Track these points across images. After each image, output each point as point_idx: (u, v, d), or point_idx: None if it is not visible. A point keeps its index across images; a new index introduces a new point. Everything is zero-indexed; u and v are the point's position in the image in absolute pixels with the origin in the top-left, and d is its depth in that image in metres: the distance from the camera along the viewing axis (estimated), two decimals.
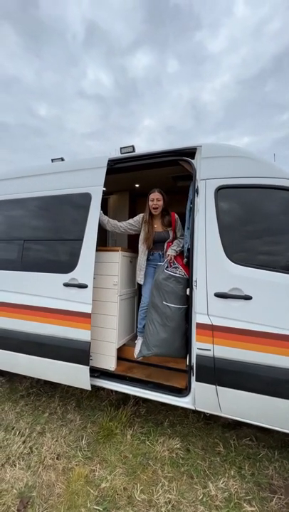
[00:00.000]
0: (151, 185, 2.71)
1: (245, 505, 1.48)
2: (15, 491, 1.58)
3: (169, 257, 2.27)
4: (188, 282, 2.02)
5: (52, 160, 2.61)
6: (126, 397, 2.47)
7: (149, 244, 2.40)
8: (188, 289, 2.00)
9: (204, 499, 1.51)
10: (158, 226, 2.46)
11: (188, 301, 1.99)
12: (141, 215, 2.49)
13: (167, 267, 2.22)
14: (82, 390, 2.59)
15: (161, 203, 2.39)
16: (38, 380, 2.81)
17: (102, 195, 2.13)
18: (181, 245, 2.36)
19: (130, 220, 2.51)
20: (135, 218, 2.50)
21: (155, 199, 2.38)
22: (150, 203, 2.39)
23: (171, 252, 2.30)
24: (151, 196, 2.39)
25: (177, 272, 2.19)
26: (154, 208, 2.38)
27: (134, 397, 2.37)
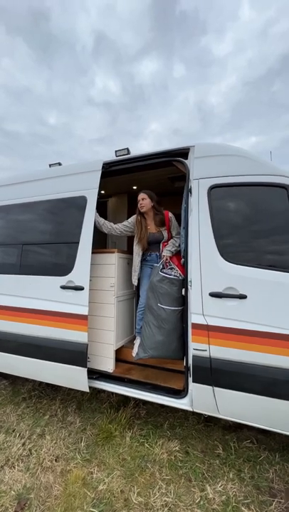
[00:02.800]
0: (149, 186, 2.71)
1: (243, 508, 1.45)
2: (13, 492, 1.60)
3: (164, 258, 2.26)
4: (184, 283, 2.00)
5: (50, 165, 2.65)
6: (126, 399, 2.47)
7: (143, 245, 2.40)
8: (183, 290, 1.99)
9: (201, 502, 1.49)
10: (151, 227, 2.47)
11: (184, 302, 1.98)
12: (135, 216, 2.50)
13: (163, 268, 2.21)
14: (83, 393, 2.59)
15: (146, 201, 2.41)
16: (40, 383, 2.83)
17: (101, 199, 2.16)
18: (177, 245, 2.36)
19: (125, 222, 2.53)
20: (129, 220, 2.52)
21: (140, 199, 2.42)
22: (138, 204, 2.45)
23: (166, 253, 2.30)
24: (138, 197, 2.45)
25: (172, 273, 2.17)
26: (141, 207, 2.42)
27: (134, 399, 2.36)
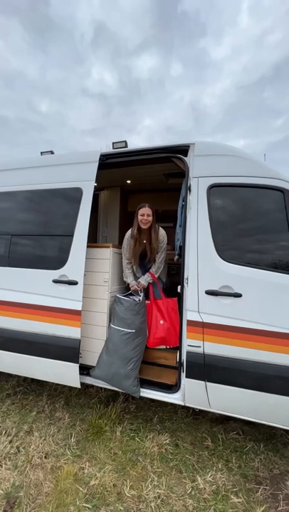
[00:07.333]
0: (143, 181, 2.66)
1: (232, 496, 1.52)
2: (1, 491, 1.55)
3: (139, 286, 2.41)
4: (137, 309, 2.15)
5: (41, 153, 2.52)
6: (115, 393, 2.47)
7: (136, 259, 2.45)
8: (179, 287, 2.00)
9: (193, 492, 1.54)
10: (146, 241, 2.43)
11: (135, 328, 2.07)
12: (128, 235, 2.44)
13: (130, 293, 2.36)
14: (70, 388, 2.56)
15: (151, 218, 2.31)
16: (25, 378, 2.75)
17: (93, 191, 2.09)
18: (156, 270, 2.47)
19: (125, 253, 2.47)
20: (124, 245, 2.45)
21: (146, 214, 2.28)
22: (140, 217, 2.30)
23: (143, 282, 2.42)
24: (142, 211, 2.30)
25: (131, 297, 2.27)
26: (144, 223, 2.31)
27: (124, 393, 2.36)
